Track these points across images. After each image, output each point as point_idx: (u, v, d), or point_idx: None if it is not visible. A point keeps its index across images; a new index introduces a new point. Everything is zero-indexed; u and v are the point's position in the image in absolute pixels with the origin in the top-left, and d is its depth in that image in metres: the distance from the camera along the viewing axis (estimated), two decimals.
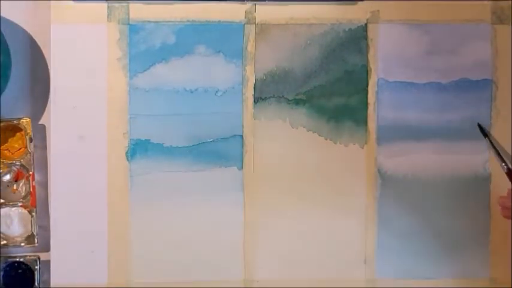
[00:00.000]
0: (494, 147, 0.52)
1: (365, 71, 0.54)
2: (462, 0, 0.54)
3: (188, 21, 0.54)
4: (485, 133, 0.53)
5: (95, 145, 0.53)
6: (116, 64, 0.54)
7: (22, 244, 0.53)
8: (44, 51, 0.54)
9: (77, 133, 0.53)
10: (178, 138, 0.54)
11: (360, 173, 0.54)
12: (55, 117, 0.53)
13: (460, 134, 0.54)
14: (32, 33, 0.54)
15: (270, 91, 0.54)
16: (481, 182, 0.54)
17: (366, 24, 0.54)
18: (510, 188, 0.49)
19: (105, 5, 0.53)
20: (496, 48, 0.54)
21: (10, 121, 0.53)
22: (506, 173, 0.51)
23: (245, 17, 0.54)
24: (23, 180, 0.53)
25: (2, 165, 0.53)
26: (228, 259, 0.54)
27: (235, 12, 0.54)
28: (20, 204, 0.53)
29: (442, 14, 0.54)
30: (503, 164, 0.51)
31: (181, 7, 0.54)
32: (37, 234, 0.53)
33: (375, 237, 0.54)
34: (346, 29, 0.54)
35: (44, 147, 0.54)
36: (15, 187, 0.53)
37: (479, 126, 0.53)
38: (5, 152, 0.53)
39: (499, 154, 0.51)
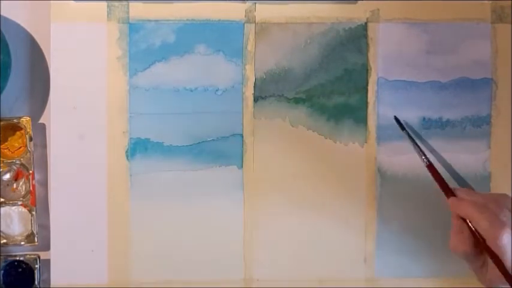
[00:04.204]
0: (413, 140, 0.52)
1: (365, 70, 0.54)
2: None
3: (188, 20, 0.54)
4: (402, 126, 0.53)
5: (94, 144, 0.53)
6: (116, 63, 0.54)
7: (22, 243, 0.53)
8: (44, 50, 0.54)
9: (77, 132, 0.53)
10: (178, 137, 0.54)
11: (360, 172, 0.54)
12: (55, 116, 0.53)
13: (460, 134, 0.54)
14: (32, 32, 0.54)
15: (270, 90, 0.54)
16: (481, 181, 0.54)
17: (365, 23, 0.54)
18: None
19: (105, 3, 0.53)
20: (496, 47, 0.54)
21: (10, 120, 0.53)
22: (426, 167, 0.51)
23: (245, 16, 0.54)
24: (23, 179, 0.53)
25: (2, 164, 0.53)
26: (228, 258, 0.54)
27: (235, 11, 0.54)
28: (20, 203, 0.53)
29: (442, 13, 0.54)
30: (423, 157, 0.52)
31: (181, 6, 0.54)
32: (37, 233, 0.53)
33: (375, 237, 0.54)
34: (346, 28, 0.54)
35: (43, 146, 0.54)
36: (15, 186, 0.53)
37: (396, 119, 0.54)
38: (5, 151, 0.53)
39: (418, 148, 0.52)
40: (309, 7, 0.54)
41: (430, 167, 0.52)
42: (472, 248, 0.46)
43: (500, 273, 0.44)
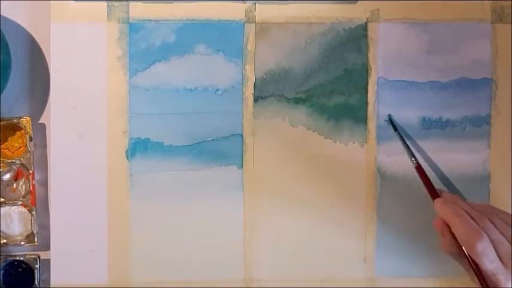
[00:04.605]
0: (404, 141, 0.53)
1: (365, 69, 0.54)
2: None
3: (188, 20, 0.54)
4: (395, 127, 0.53)
5: (94, 144, 0.53)
6: (116, 63, 0.54)
7: (22, 243, 0.53)
8: (44, 50, 0.54)
9: (77, 132, 0.53)
10: (178, 137, 0.54)
11: (360, 172, 0.54)
12: (55, 116, 0.53)
13: (460, 134, 0.54)
14: (32, 32, 0.54)
15: (269, 90, 0.54)
16: (481, 181, 0.54)
17: (365, 23, 0.54)
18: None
19: (105, 3, 0.53)
20: (495, 47, 0.54)
21: (10, 120, 0.53)
22: (415, 168, 0.52)
23: (245, 16, 0.54)
24: (23, 179, 0.53)
25: (2, 164, 0.53)
26: (228, 258, 0.54)
27: (235, 11, 0.54)
28: (20, 203, 0.53)
29: (442, 13, 0.54)
30: (413, 159, 0.52)
31: (181, 6, 0.54)
32: (37, 233, 0.53)
33: (375, 236, 0.54)
34: (346, 28, 0.54)
35: (44, 146, 0.54)
36: (15, 186, 0.53)
37: (390, 119, 0.54)
38: (5, 150, 0.53)
39: (408, 149, 0.52)
40: (309, 7, 0.54)
41: (419, 168, 0.52)
42: (456, 250, 0.47)
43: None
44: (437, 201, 0.49)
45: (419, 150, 0.54)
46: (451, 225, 0.47)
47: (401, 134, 0.54)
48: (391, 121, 0.54)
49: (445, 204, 0.48)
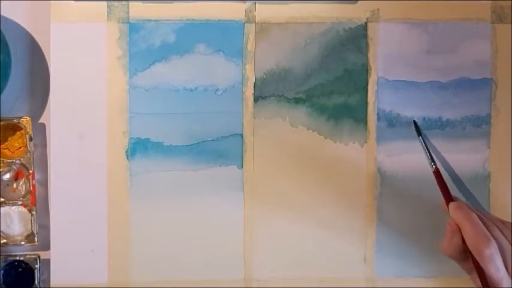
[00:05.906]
0: (426, 146, 0.52)
1: (365, 69, 0.54)
2: None
3: (188, 20, 0.54)
4: (419, 132, 0.53)
5: (94, 144, 0.53)
6: (116, 63, 0.54)
7: (22, 243, 0.53)
8: (44, 50, 0.54)
9: (77, 132, 0.53)
10: (178, 137, 0.54)
11: (360, 172, 0.54)
12: (55, 115, 0.53)
13: (460, 133, 0.54)
14: (32, 32, 0.54)
15: (270, 90, 0.54)
16: (481, 181, 0.55)
17: (365, 23, 0.54)
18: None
19: (105, 3, 0.53)
20: (495, 47, 0.54)
21: (10, 120, 0.53)
22: (433, 173, 0.52)
23: (245, 16, 0.54)
24: (23, 179, 0.53)
25: (2, 164, 0.53)
26: (228, 258, 0.54)
27: (235, 11, 0.54)
28: (20, 203, 0.53)
29: (442, 13, 0.54)
30: (432, 164, 0.52)
31: (181, 6, 0.54)
32: (37, 233, 0.53)
33: (375, 236, 0.54)
34: (346, 28, 0.54)
35: (44, 146, 0.54)
36: (15, 186, 0.53)
37: (415, 124, 0.54)
38: (5, 150, 0.53)
39: (429, 154, 0.52)
40: (309, 7, 0.54)
41: (437, 173, 0.52)
42: (460, 254, 0.47)
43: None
44: (452, 204, 0.49)
45: (420, 150, 0.54)
46: (462, 229, 0.47)
47: (424, 138, 0.53)
48: (415, 126, 0.54)
49: (458, 208, 0.48)
